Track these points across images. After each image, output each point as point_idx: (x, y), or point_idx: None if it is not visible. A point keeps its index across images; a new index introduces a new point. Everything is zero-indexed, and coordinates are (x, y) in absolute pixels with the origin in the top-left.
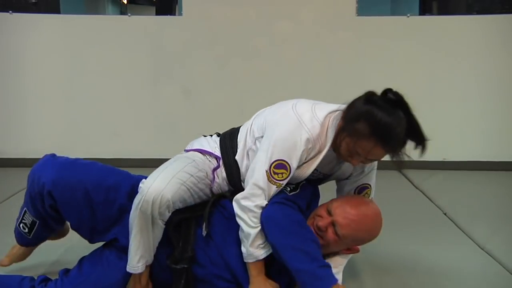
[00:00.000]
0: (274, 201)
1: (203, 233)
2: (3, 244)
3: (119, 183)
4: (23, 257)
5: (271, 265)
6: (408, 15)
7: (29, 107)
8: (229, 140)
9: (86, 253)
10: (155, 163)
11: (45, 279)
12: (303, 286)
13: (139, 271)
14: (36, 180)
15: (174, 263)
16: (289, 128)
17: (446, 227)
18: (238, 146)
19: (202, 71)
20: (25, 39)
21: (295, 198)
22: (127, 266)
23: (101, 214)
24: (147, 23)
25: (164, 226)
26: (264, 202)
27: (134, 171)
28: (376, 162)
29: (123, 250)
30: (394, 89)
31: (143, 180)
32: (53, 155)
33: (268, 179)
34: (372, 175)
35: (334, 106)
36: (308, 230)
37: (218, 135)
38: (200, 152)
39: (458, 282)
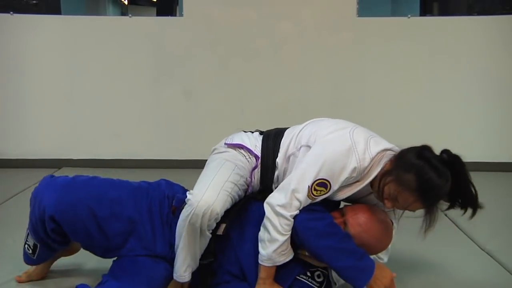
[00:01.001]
0: (305, 217)
1: (218, 232)
2: (3, 245)
3: (121, 196)
4: (40, 275)
5: (278, 270)
6: (409, 16)
7: (29, 108)
8: (272, 140)
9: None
10: (156, 163)
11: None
12: (350, 281)
13: (187, 279)
14: (37, 206)
15: (201, 259)
16: (342, 151)
17: (446, 227)
18: (281, 149)
19: (202, 72)
20: (26, 39)
21: (322, 205)
22: (174, 275)
23: (111, 229)
24: (148, 24)
25: (210, 236)
26: (297, 212)
27: (134, 172)
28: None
29: (157, 256)
30: (450, 151)
31: (191, 191)
32: (52, 176)
33: (307, 194)
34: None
35: (388, 145)
36: (339, 228)
37: (261, 133)
38: (240, 147)
39: (458, 282)
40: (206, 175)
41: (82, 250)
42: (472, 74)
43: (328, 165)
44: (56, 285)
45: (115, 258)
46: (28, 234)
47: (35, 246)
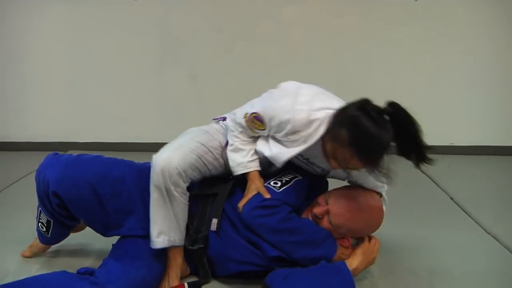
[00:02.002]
0: (255, 205)
1: (212, 228)
2: (10, 228)
3: (124, 174)
4: (43, 249)
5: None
6: None
7: (35, 91)
8: None
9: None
10: (161, 147)
11: (88, 271)
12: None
13: (161, 245)
14: (41, 181)
15: (190, 245)
16: (282, 97)
17: (452, 212)
18: None
19: (208, 55)
20: (31, 23)
21: (283, 195)
22: (150, 242)
23: (112, 206)
24: (153, 7)
25: (184, 201)
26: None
27: (140, 155)
28: None
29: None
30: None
31: (153, 155)
32: (56, 154)
33: (246, 123)
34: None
35: (337, 104)
36: (292, 221)
37: None
38: (223, 119)
39: (464, 266)
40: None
41: (87, 229)
42: (480, 58)
43: (266, 105)
44: (62, 266)
45: (115, 242)
46: (40, 211)
47: (48, 222)
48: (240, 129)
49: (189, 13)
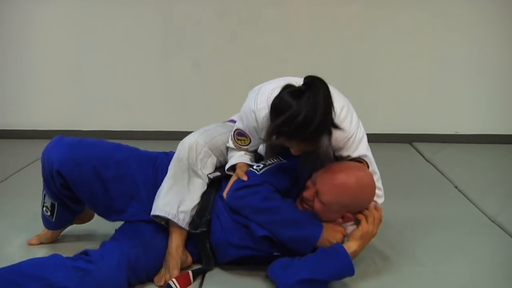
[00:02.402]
0: (235, 188)
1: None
2: (17, 215)
3: (127, 158)
4: (52, 238)
5: None
6: None
7: (40, 80)
8: None
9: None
10: (166, 135)
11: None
12: (295, 250)
13: (161, 214)
14: (46, 161)
15: (194, 229)
16: (249, 105)
17: (457, 200)
18: None
19: (212, 43)
20: (36, 10)
21: (263, 177)
22: (152, 210)
23: (115, 190)
24: None
25: (203, 183)
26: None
27: (144, 143)
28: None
29: (152, 222)
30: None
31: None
32: (61, 136)
33: (233, 143)
34: (352, 146)
35: None
36: (274, 200)
37: None
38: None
39: (468, 254)
40: None
41: (95, 218)
42: (486, 44)
43: (239, 117)
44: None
45: (117, 228)
46: (44, 195)
47: (52, 206)
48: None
49: (194, 1)
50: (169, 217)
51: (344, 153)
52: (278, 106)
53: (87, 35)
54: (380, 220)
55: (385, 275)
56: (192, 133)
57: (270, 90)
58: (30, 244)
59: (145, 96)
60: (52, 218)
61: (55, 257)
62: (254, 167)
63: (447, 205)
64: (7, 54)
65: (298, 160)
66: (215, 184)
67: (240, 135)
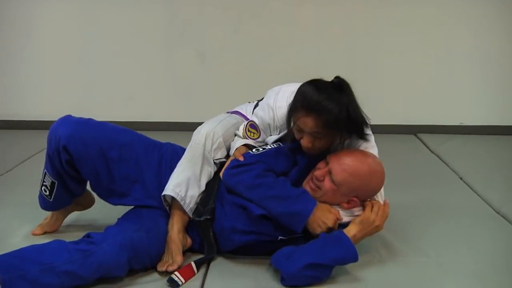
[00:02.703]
0: (230, 167)
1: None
2: (21, 205)
3: (133, 142)
4: (55, 226)
5: None
6: None
7: (44, 71)
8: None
9: None
10: (169, 126)
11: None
12: (287, 226)
13: (171, 194)
14: (53, 137)
15: (198, 216)
16: (267, 103)
17: (462, 191)
18: None
19: (216, 33)
20: (39, 2)
21: (258, 157)
22: (165, 190)
23: (118, 172)
24: None
25: (212, 170)
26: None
27: (148, 134)
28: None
29: (155, 208)
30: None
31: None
32: (68, 115)
33: (242, 133)
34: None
35: None
36: (267, 177)
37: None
38: (237, 113)
39: (473, 246)
40: None
41: (96, 206)
42: (491, 36)
43: (256, 112)
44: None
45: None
46: (45, 174)
47: (52, 184)
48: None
49: None
50: (178, 198)
51: None
52: (306, 88)
53: (91, 26)
54: (387, 215)
55: (389, 264)
56: (207, 122)
57: (290, 91)
58: (34, 235)
59: (149, 87)
60: (50, 198)
61: (57, 242)
62: (254, 150)
63: (452, 196)
64: (11, 45)
65: (297, 144)
66: (219, 173)
67: (252, 127)
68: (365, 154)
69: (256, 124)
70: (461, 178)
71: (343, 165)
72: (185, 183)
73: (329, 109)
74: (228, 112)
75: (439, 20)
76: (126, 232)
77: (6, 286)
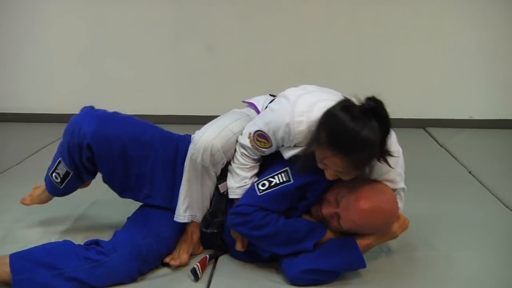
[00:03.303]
0: (231, 211)
1: (221, 190)
2: None
3: (153, 139)
4: (45, 200)
5: None
6: None
7: (53, 63)
8: None
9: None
10: (178, 119)
11: (94, 242)
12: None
13: (185, 220)
14: (77, 132)
15: (205, 227)
16: (281, 111)
17: (471, 185)
18: None
19: (225, 27)
20: None
21: (260, 201)
22: (175, 216)
23: (135, 170)
24: None
25: (215, 180)
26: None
27: None
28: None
29: (165, 209)
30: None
31: (196, 131)
32: (92, 107)
33: (251, 143)
34: (393, 180)
35: None
36: (270, 223)
37: None
38: (254, 107)
39: (482, 240)
40: (213, 120)
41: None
42: (501, 28)
43: (267, 120)
44: (80, 239)
45: (130, 216)
46: (59, 162)
47: (66, 174)
48: (242, 151)
49: None
50: (189, 220)
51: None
52: (336, 119)
53: (99, 19)
54: (407, 227)
55: (397, 257)
56: (209, 127)
57: (310, 103)
58: (23, 203)
59: (157, 80)
60: (61, 185)
61: (66, 245)
62: (260, 184)
63: (461, 190)
64: (20, 38)
65: (307, 180)
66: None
67: (262, 137)
68: (378, 199)
69: (266, 134)
70: (470, 172)
71: (351, 216)
72: (192, 205)
73: (361, 150)
74: (244, 102)
75: (448, 13)
76: (135, 241)
77: (16, 286)
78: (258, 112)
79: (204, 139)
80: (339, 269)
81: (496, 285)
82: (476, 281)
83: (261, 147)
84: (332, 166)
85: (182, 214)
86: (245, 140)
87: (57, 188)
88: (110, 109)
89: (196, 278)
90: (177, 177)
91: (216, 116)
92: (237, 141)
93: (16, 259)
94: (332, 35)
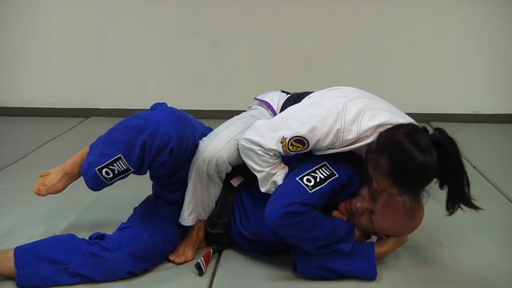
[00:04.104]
0: (280, 212)
1: (233, 183)
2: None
3: (197, 140)
4: (61, 189)
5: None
6: None
7: (58, 58)
8: (293, 102)
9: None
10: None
11: (99, 236)
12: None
13: (189, 223)
14: (161, 133)
15: (210, 227)
16: (329, 117)
17: (475, 180)
18: None
19: (229, 21)
20: None
21: (312, 199)
22: (180, 218)
23: (183, 172)
24: None
25: (220, 184)
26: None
27: None
28: None
29: (176, 204)
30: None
31: (203, 138)
32: (171, 107)
33: (283, 148)
34: None
35: (387, 117)
36: (318, 227)
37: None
38: (268, 106)
39: (486, 235)
40: (222, 125)
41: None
42: (506, 23)
43: (311, 126)
44: (86, 231)
45: (136, 207)
46: (117, 158)
47: (126, 171)
48: (272, 153)
49: None
50: (194, 222)
51: None
52: (404, 153)
53: (104, 13)
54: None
55: (401, 252)
56: (215, 137)
57: (357, 111)
58: (38, 194)
59: (162, 75)
60: (109, 181)
61: (71, 239)
62: (305, 180)
63: None
64: (26, 33)
65: (350, 173)
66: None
67: (298, 142)
68: (420, 202)
69: (305, 138)
70: (474, 167)
71: (387, 217)
72: (197, 209)
73: (421, 184)
74: (256, 99)
75: (452, 8)
76: (142, 238)
77: (20, 281)
78: (272, 110)
79: (210, 149)
80: (350, 273)
81: (502, 280)
82: (481, 276)
83: (293, 151)
84: (381, 186)
85: (186, 218)
86: (272, 145)
87: (104, 183)
88: (115, 103)
89: (201, 272)
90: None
91: (220, 111)
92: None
93: (21, 253)
94: (336, 30)
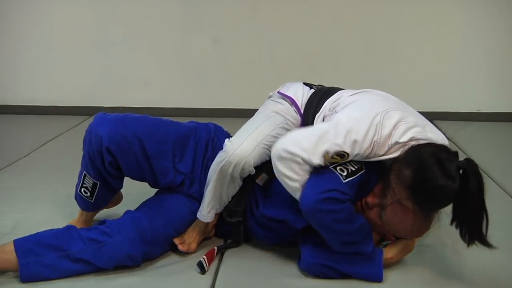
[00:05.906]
0: (320, 196)
1: (258, 181)
2: (38, 190)
3: (169, 134)
4: (89, 221)
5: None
6: None
7: (60, 56)
8: (319, 98)
9: None
10: (185, 112)
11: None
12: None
13: (209, 220)
14: (94, 138)
15: (228, 216)
16: (367, 131)
17: None
18: (322, 108)
19: (232, 19)
20: None
21: (348, 188)
22: (198, 213)
23: (158, 167)
24: None
25: (240, 182)
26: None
27: None
28: None
29: (189, 195)
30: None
31: (230, 138)
32: (103, 113)
33: (323, 161)
34: None
35: (417, 133)
36: (349, 222)
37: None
38: (292, 102)
39: (490, 234)
40: (250, 125)
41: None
42: (510, 21)
43: (352, 140)
44: None
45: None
46: (84, 176)
47: (94, 186)
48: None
49: None
50: (212, 218)
51: None
52: (427, 172)
53: (106, 11)
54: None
55: None
56: (244, 139)
57: (393, 124)
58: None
59: (164, 73)
60: (92, 199)
61: (70, 228)
62: (338, 169)
63: None
64: (28, 31)
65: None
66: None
67: (339, 155)
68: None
69: (347, 153)
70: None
71: (397, 212)
72: (216, 205)
73: (437, 206)
74: (279, 93)
75: (455, 7)
76: (140, 224)
77: (23, 270)
78: (296, 107)
79: (239, 153)
80: (356, 276)
81: (505, 278)
82: (484, 275)
83: (331, 162)
84: (398, 197)
85: (206, 215)
86: (315, 159)
87: (89, 202)
88: (117, 102)
89: (203, 271)
90: (196, 166)
91: (223, 110)
92: (268, 150)
93: (21, 243)
94: (339, 28)
